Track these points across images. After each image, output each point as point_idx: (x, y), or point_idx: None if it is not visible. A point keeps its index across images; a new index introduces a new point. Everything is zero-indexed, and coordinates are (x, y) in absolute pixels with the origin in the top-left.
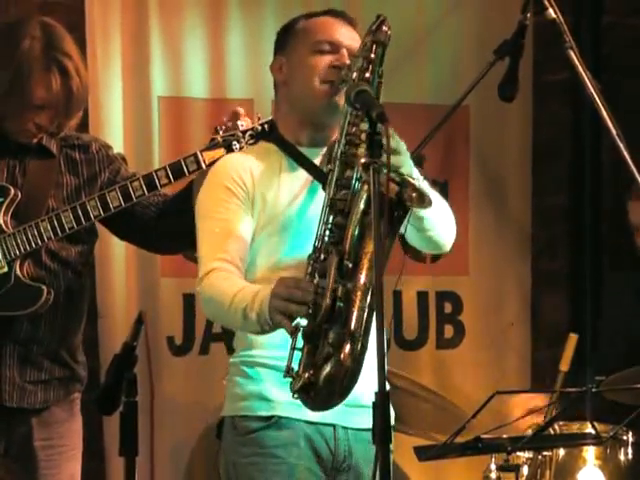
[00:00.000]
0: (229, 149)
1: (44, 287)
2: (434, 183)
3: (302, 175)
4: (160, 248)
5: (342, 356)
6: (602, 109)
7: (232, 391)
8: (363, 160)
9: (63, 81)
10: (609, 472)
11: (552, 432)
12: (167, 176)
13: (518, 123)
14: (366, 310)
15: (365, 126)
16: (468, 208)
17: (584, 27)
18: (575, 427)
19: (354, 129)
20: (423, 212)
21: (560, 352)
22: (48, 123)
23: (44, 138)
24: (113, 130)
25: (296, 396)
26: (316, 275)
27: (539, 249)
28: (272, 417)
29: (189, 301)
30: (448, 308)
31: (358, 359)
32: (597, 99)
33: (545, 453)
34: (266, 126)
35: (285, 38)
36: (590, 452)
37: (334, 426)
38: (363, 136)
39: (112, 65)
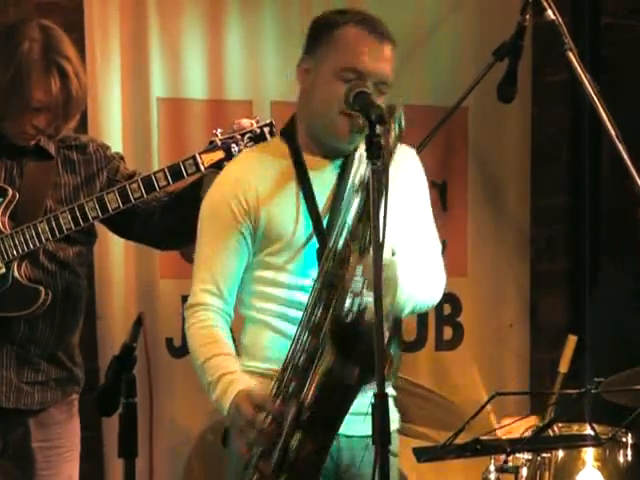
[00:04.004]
0: (228, 152)
1: (42, 288)
2: (433, 184)
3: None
4: (162, 244)
5: None
6: (601, 110)
7: None
8: (329, 322)
9: (62, 84)
10: (608, 474)
11: (551, 433)
12: (166, 178)
13: (517, 124)
14: (315, 468)
15: (356, 246)
16: (467, 209)
17: (583, 28)
18: (574, 428)
19: (345, 246)
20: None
21: (559, 353)
22: (46, 126)
23: (42, 139)
24: (112, 131)
25: None
26: (279, 402)
27: (538, 250)
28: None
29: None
30: (447, 309)
31: None
32: (596, 100)
33: (544, 454)
34: (265, 129)
35: (317, 39)
36: (589, 453)
37: (337, 435)
38: (352, 258)
39: (111, 66)
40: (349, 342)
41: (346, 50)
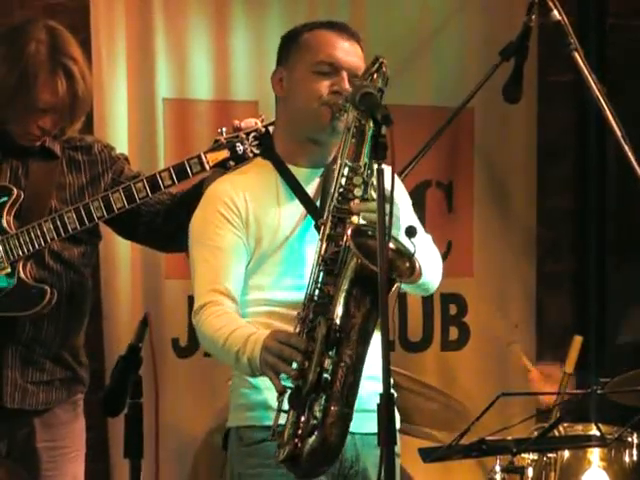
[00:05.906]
0: (233, 150)
1: (47, 288)
2: (439, 185)
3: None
4: (166, 246)
5: (326, 431)
6: (607, 110)
7: (237, 402)
8: (350, 232)
9: (68, 85)
10: (614, 474)
11: (557, 434)
12: (171, 177)
13: (523, 124)
14: (352, 384)
15: (359, 180)
16: (473, 209)
17: (588, 29)
18: (580, 429)
19: (348, 183)
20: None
21: (565, 354)
22: (52, 127)
23: (47, 140)
24: (118, 132)
25: (281, 464)
26: (304, 336)
27: (544, 250)
28: (278, 427)
29: (194, 303)
30: (453, 310)
31: (342, 434)
32: (602, 100)
33: (550, 455)
34: (270, 128)
35: (287, 50)
36: (595, 454)
37: None
38: (356, 190)
39: (117, 67)
40: (369, 246)
41: (318, 47)
